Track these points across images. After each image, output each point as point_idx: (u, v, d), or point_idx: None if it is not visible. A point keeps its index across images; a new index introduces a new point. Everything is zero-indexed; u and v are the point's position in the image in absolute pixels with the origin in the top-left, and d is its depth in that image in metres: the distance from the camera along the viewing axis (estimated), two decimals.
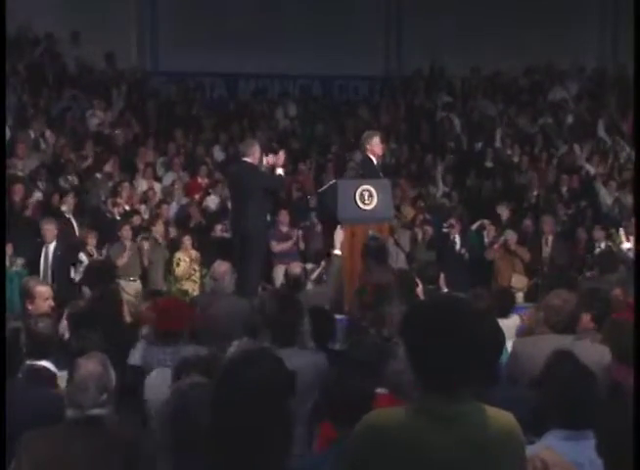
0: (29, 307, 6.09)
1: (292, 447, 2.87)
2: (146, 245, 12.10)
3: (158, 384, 4.80)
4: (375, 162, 9.87)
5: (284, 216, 12.74)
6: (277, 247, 12.53)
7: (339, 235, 8.34)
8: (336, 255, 8.06)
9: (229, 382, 2.80)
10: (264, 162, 10.07)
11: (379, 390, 4.32)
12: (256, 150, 10.04)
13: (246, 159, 9.96)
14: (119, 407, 3.98)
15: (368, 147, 9.84)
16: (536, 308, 6.12)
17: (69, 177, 13.47)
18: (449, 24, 19.02)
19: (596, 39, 20.35)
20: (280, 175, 9.89)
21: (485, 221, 13.96)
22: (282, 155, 10.06)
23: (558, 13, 19.22)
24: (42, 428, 3.82)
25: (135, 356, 5.61)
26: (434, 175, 15.89)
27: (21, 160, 13.34)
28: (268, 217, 12.52)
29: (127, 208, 12.97)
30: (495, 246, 13.15)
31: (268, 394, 2.76)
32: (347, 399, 3.84)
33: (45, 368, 4.89)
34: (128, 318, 6.60)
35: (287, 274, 7.96)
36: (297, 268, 7.92)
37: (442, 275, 8.18)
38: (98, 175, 13.70)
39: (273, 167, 10.01)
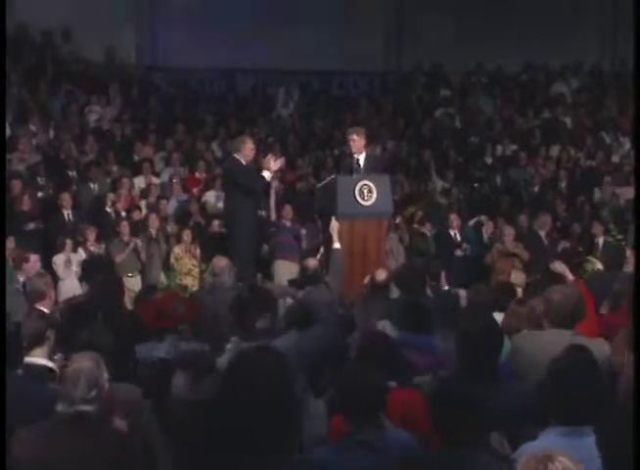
0: (41, 308, 6.06)
1: (299, 437, 2.89)
2: (144, 240, 12.10)
3: None
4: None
5: (287, 211, 12.77)
6: (280, 238, 12.55)
7: (335, 228, 8.36)
8: (337, 248, 8.07)
9: (234, 379, 2.80)
10: (268, 161, 10.22)
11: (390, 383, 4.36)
12: (246, 147, 10.20)
13: (234, 155, 10.24)
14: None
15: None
16: (518, 304, 6.09)
17: (70, 173, 13.48)
18: (449, 20, 19.01)
19: (595, 35, 20.33)
20: (262, 176, 10.05)
21: (483, 217, 13.98)
22: (277, 162, 10.22)
23: (558, 8, 19.20)
24: (32, 425, 3.82)
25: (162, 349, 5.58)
26: (431, 171, 15.90)
27: (22, 154, 13.34)
28: (263, 213, 12.61)
29: (127, 204, 12.97)
30: (494, 250, 13.12)
31: (273, 387, 2.77)
32: (363, 394, 3.87)
33: (43, 366, 4.89)
34: (129, 306, 6.62)
35: (303, 268, 7.98)
36: (313, 262, 7.94)
37: (443, 273, 8.24)
38: (97, 171, 13.69)
39: (261, 168, 10.21)
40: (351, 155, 9.95)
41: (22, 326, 4.92)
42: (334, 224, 8.42)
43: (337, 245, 8.10)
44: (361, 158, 9.85)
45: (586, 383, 3.73)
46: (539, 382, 3.95)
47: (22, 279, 8.51)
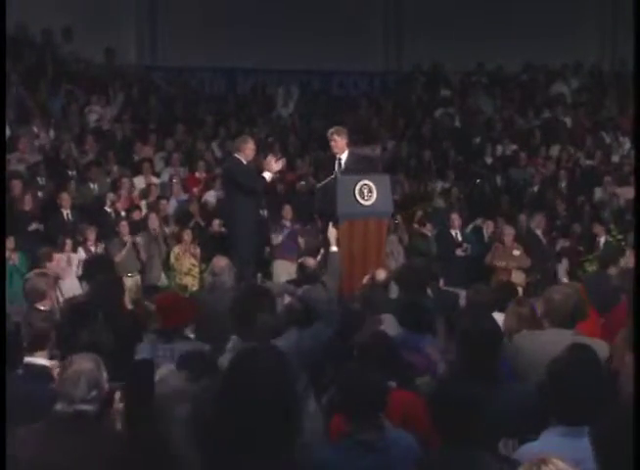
0: (40, 306, 6.03)
1: (300, 437, 2.88)
2: (144, 240, 12.11)
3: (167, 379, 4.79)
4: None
5: (287, 211, 12.79)
6: (276, 240, 12.57)
7: (332, 232, 8.37)
8: (334, 252, 8.07)
9: (234, 378, 2.80)
10: (269, 162, 10.20)
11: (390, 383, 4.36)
12: (247, 147, 10.17)
13: (235, 154, 10.21)
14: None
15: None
16: (518, 304, 6.07)
17: (70, 173, 13.48)
18: (449, 20, 19.00)
19: (595, 35, 20.33)
20: (263, 177, 10.05)
21: (479, 221, 13.98)
22: (277, 162, 10.21)
23: (558, 8, 19.19)
24: (31, 424, 3.82)
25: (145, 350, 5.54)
26: (431, 171, 15.91)
27: (22, 154, 13.34)
28: (265, 213, 12.61)
29: (127, 203, 12.97)
30: (494, 250, 13.10)
31: (274, 387, 2.77)
32: (364, 393, 3.87)
33: (43, 366, 4.88)
34: (129, 306, 6.61)
35: (301, 267, 7.99)
36: (311, 261, 7.96)
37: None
38: (97, 171, 13.69)
39: (261, 168, 10.19)
40: (334, 155, 9.94)
41: (26, 326, 4.91)
42: (331, 230, 8.43)
43: (334, 248, 8.11)
44: (343, 157, 9.85)
45: (589, 382, 3.71)
46: (541, 382, 3.93)
47: None
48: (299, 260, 8.56)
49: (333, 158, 9.91)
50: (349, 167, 9.69)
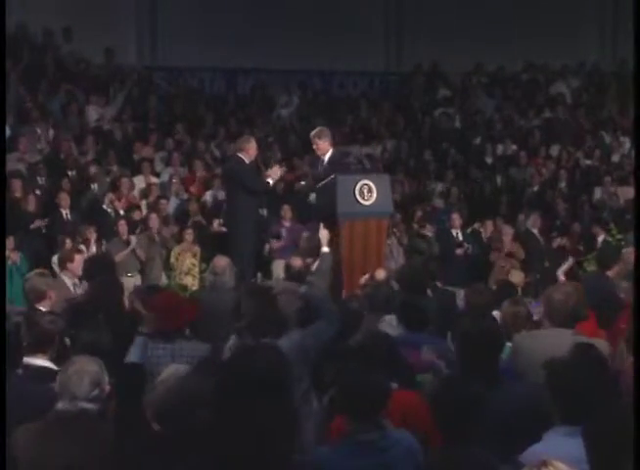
0: (41, 307, 6.00)
1: (297, 436, 2.88)
2: (144, 240, 12.11)
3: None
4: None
5: (286, 211, 12.79)
6: (275, 244, 12.59)
7: (323, 233, 8.39)
8: (325, 252, 8.07)
9: (232, 375, 2.80)
10: (276, 172, 10.24)
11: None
12: (250, 146, 10.19)
13: (239, 154, 10.22)
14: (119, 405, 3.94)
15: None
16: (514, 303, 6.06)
17: (69, 172, 13.48)
18: (449, 20, 18.99)
19: (595, 35, 20.34)
20: (267, 182, 10.06)
21: (476, 225, 13.99)
22: (278, 171, 10.25)
23: (558, 8, 19.19)
24: (32, 422, 3.82)
25: (135, 354, 5.51)
26: (431, 171, 15.91)
27: (22, 154, 13.34)
28: (265, 212, 12.60)
29: (127, 203, 12.97)
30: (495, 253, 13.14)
31: (271, 385, 2.77)
32: (365, 394, 3.87)
33: (43, 367, 4.87)
34: (128, 306, 6.60)
35: (288, 268, 8.00)
36: (297, 262, 7.97)
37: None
38: (97, 171, 13.68)
39: (260, 167, 10.22)
40: (318, 156, 9.99)
41: (26, 326, 4.90)
42: (322, 231, 8.44)
43: (325, 249, 8.12)
44: (326, 157, 9.86)
45: (593, 382, 3.69)
46: (545, 381, 3.92)
47: (66, 279, 8.37)
48: (286, 261, 8.59)
49: (318, 158, 9.98)
50: (327, 168, 9.73)
